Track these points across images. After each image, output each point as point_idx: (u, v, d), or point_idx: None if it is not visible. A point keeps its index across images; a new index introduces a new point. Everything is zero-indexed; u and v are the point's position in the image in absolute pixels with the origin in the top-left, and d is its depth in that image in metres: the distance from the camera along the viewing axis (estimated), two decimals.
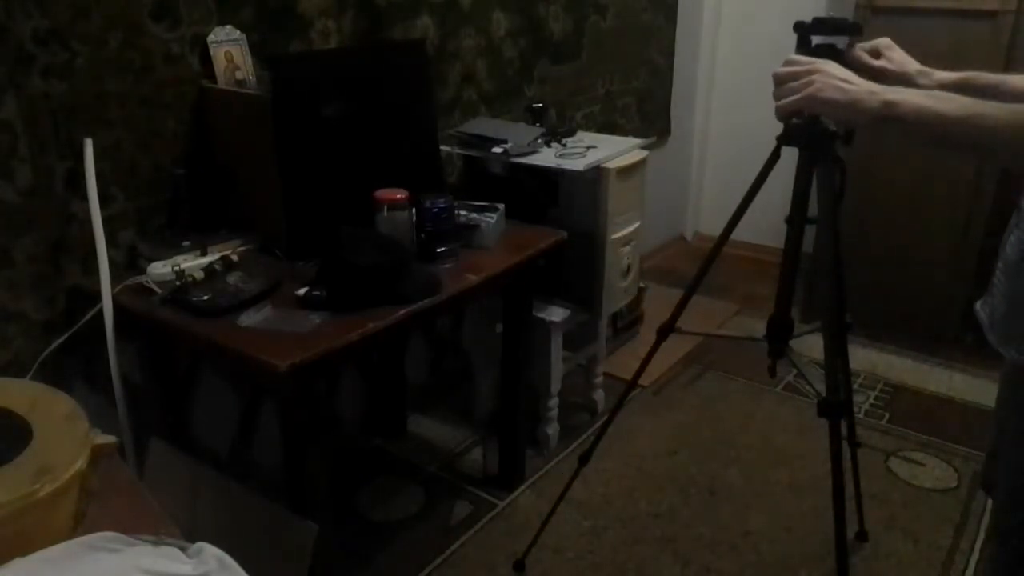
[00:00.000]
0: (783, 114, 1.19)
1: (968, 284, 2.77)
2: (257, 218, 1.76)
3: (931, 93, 1.08)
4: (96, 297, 1.55)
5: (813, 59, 1.15)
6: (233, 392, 2.02)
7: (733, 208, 1.49)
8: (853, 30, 1.30)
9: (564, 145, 2.23)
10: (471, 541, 2.04)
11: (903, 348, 3.00)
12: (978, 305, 1.22)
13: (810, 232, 1.47)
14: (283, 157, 1.65)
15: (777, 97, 1.17)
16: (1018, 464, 1.16)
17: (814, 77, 1.12)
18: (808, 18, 1.32)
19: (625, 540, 2.05)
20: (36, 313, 1.57)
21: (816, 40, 1.30)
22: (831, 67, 1.14)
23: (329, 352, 1.41)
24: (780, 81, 1.17)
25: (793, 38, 1.33)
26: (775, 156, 1.42)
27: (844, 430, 1.46)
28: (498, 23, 2.50)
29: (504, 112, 2.61)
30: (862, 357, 2.93)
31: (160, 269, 1.57)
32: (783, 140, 1.40)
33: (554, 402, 2.37)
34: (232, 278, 1.57)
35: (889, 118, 1.05)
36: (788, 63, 1.17)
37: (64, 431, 0.91)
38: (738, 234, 1.52)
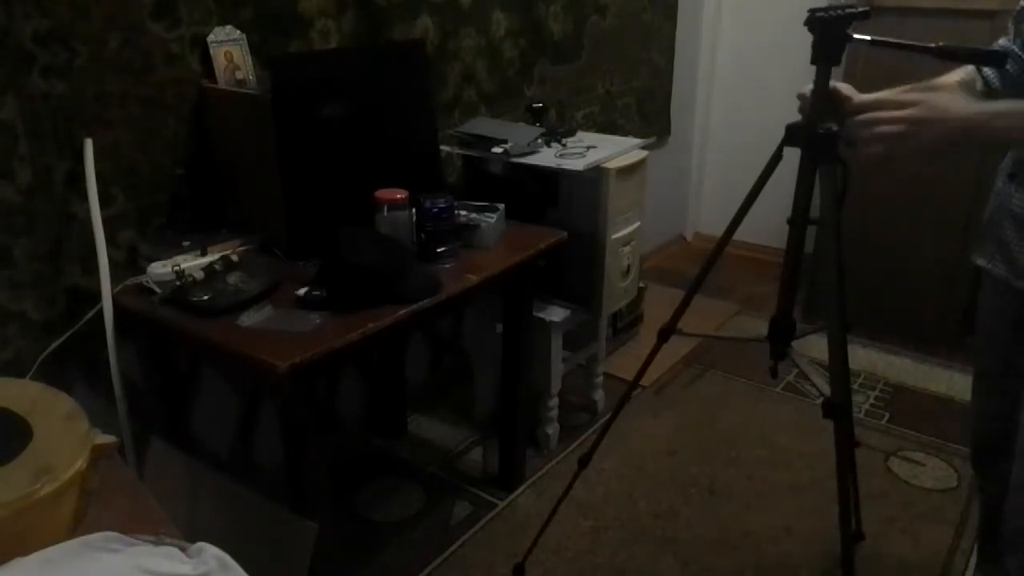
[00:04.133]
0: (873, 160, 1.27)
1: (968, 284, 2.77)
2: (257, 218, 1.76)
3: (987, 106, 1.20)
4: (96, 297, 1.55)
5: (915, 101, 1.20)
6: (233, 392, 2.02)
7: (733, 208, 1.49)
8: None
9: (564, 145, 2.23)
10: (471, 541, 2.04)
11: (903, 348, 3.00)
12: (985, 263, 1.37)
13: (810, 233, 1.47)
14: (283, 157, 1.64)
15: (867, 137, 1.23)
16: None
17: (912, 124, 1.19)
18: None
19: (625, 540, 2.05)
20: (36, 313, 1.57)
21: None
22: (933, 104, 1.19)
23: (329, 352, 1.41)
24: (874, 123, 1.21)
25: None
26: (776, 156, 1.41)
27: None
28: (498, 23, 2.50)
29: (504, 112, 2.60)
30: (862, 357, 2.93)
31: (160, 269, 1.57)
32: (785, 141, 1.40)
33: (554, 402, 2.37)
34: (232, 278, 1.57)
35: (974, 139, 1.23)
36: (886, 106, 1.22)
37: (64, 431, 0.91)
38: (739, 234, 1.52)
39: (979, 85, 1.37)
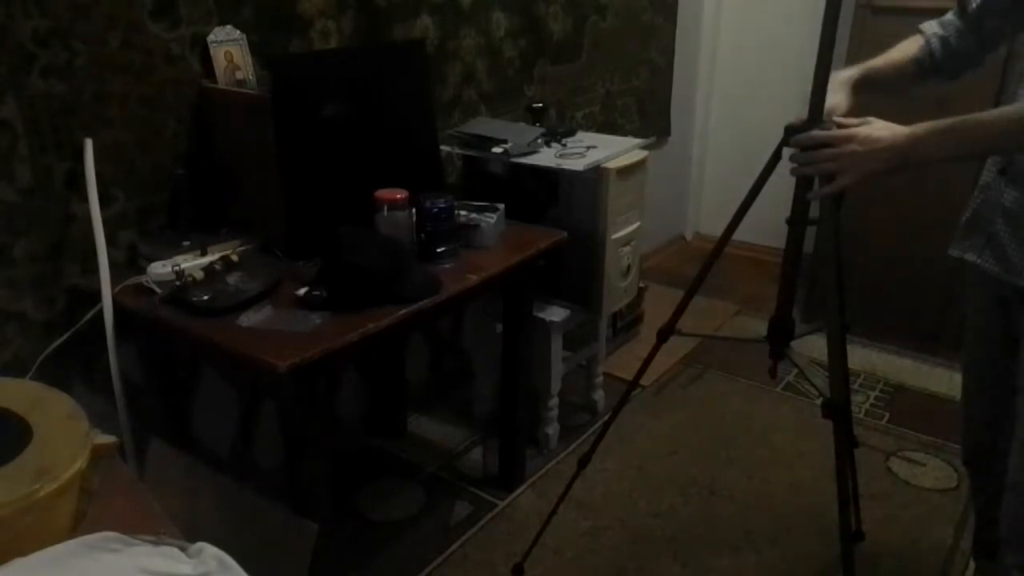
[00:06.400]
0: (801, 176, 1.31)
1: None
2: (257, 218, 1.76)
3: (935, 127, 1.19)
4: (96, 297, 1.55)
5: (852, 130, 1.23)
6: (233, 392, 2.02)
7: (733, 208, 1.49)
8: None
9: (564, 145, 2.23)
10: (471, 541, 2.04)
11: (903, 348, 3.00)
12: (974, 258, 1.37)
13: (810, 233, 1.47)
14: (283, 157, 1.65)
15: (803, 160, 1.27)
16: None
17: (846, 159, 1.23)
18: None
19: (625, 540, 2.05)
20: (36, 313, 1.57)
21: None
22: (871, 131, 1.21)
23: (329, 352, 1.41)
24: (814, 145, 1.24)
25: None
26: (776, 157, 1.41)
27: None
28: (498, 23, 2.50)
29: (504, 112, 2.60)
30: (862, 357, 2.93)
31: (160, 269, 1.57)
32: (784, 141, 1.40)
33: (554, 402, 2.37)
34: (232, 278, 1.57)
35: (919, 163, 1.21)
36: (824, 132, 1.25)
37: (64, 431, 0.91)
38: (738, 234, 1.52)
39: (927, 61, 1.40)
